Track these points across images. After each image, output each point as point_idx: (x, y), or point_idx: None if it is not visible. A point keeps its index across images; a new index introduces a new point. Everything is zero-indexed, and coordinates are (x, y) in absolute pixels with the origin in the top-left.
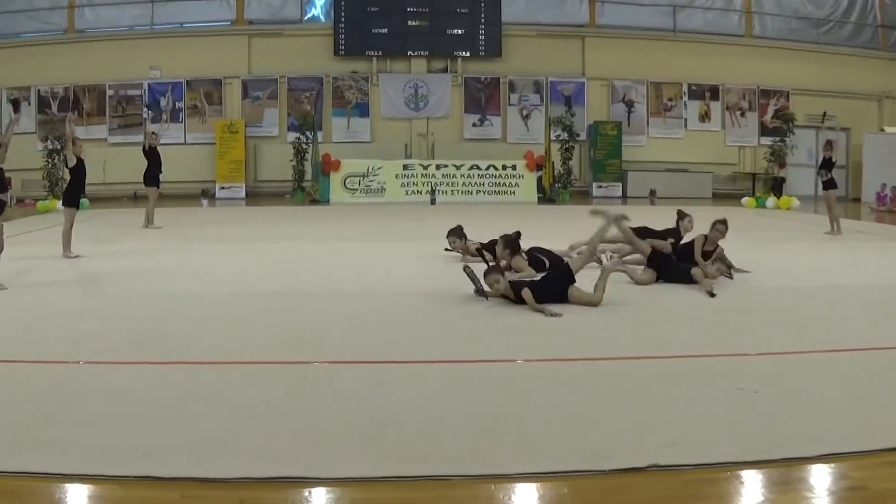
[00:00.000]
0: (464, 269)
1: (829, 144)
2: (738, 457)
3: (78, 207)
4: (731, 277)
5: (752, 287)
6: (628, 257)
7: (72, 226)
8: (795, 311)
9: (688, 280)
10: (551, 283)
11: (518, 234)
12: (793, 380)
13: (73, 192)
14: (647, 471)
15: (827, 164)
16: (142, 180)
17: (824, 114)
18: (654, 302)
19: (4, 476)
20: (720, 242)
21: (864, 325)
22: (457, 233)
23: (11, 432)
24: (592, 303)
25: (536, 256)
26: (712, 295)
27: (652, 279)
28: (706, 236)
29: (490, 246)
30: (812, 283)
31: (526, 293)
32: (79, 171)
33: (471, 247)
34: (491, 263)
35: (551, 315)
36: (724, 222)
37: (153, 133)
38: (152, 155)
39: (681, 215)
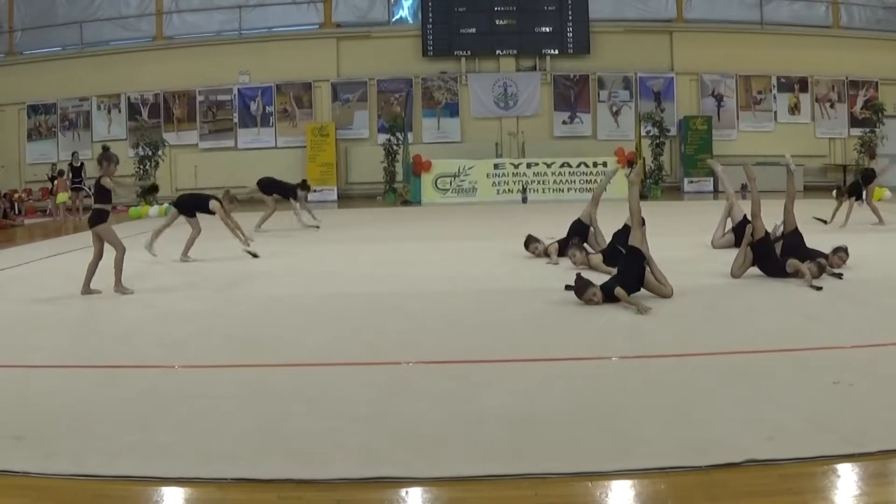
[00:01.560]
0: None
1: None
2: (835, 450)
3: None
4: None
5: (845, 279)
6: (721, 241)
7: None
8: (889, 302)
9: (783, 275)
10: (629, 272)
11: (578, 239)
12: (888, 371)
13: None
14: (743, 465)
15: (868, 178)
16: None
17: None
18: (744, 295)
19: (105, 480)
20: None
21: None
22: (531, 240)
23: (110, 437)
24: (665, 294)
25: (615, 248)
26: (818, 288)
27: (746, 265)
28: (827, 257)
29: (565, 242)
30: None
31: (619, 292)
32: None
33: (550, 247)
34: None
35: (644, 310)
36: (845, 250)
37: None
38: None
39: (835, 250)
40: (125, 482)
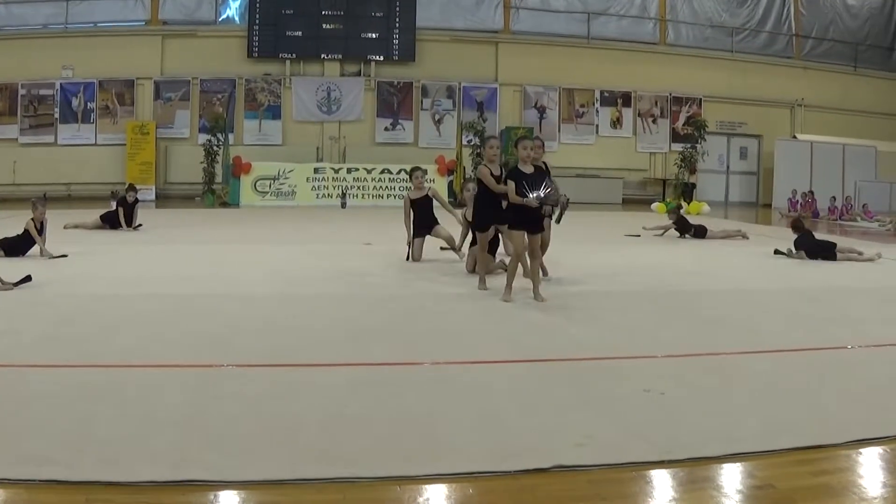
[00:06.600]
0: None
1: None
2: (645, 457)
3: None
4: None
5: (658, 290)
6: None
7: None
8: (702, 313)
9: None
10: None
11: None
12: (699, 381)
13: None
14: (552, 471)
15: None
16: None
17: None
18: (559, 304)
19: None
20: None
21: (769, 326)
22: (416, 169)
23: None
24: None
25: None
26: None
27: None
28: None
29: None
30: (718, 287)
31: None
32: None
33: (425, 185)
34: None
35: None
36: (533, 139)
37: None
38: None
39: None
40: None
